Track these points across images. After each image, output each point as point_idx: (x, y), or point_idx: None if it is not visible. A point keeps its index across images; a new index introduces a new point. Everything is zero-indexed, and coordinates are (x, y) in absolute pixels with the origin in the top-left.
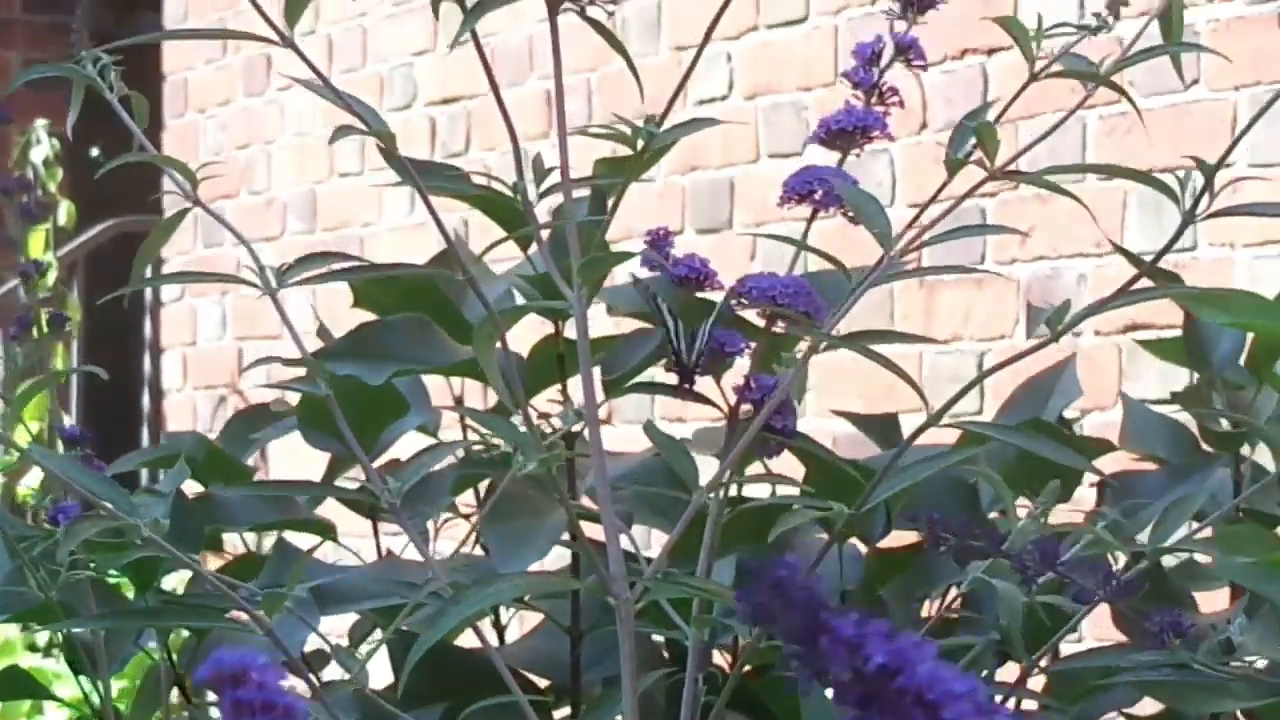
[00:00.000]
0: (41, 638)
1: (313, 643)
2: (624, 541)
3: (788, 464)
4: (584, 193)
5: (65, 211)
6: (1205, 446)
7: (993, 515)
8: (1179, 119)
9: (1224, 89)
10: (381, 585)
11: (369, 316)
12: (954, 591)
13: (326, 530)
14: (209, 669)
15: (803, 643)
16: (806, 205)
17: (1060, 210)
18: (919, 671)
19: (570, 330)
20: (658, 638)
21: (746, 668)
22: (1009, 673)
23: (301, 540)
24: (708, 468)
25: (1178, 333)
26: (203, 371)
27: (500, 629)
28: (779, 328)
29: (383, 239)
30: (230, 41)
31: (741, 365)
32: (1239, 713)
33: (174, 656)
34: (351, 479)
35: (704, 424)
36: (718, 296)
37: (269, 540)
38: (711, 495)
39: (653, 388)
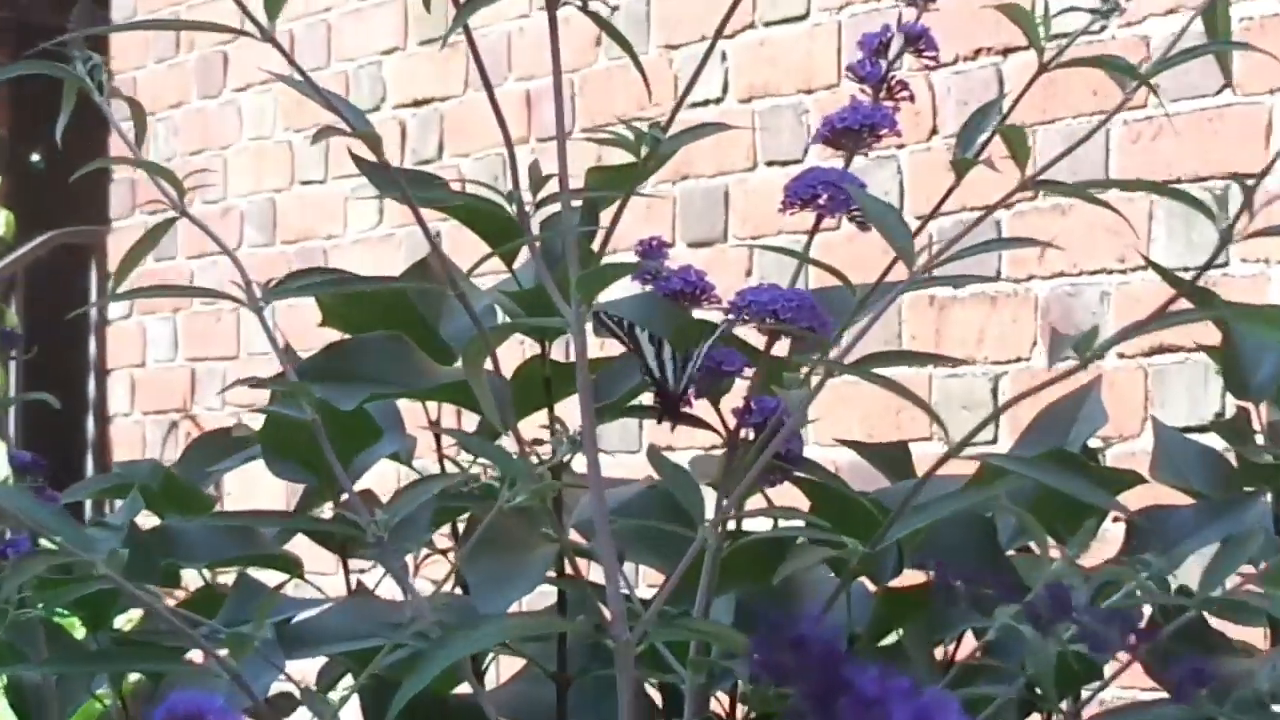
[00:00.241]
0: None
1: (277, 685)
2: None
3: (785, 494)
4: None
5: (4, 221)
6: (1242, 478)
7: (1011, 553)
8: (1209, 125)
9: (1258, 93)
10: (355, 625)
11: (336, 336)
12: (970, 635)
13: (292, 566)
14: (162, 714)
15: (822, 701)
16: (810, 211)
17: (1081, 222)
18: None
19: (556, 351)
20: (649, 681)
21: (753, 715)
22: None
23: (265, 577)
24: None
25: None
26: (152, 395)
27: (480, 673)
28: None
29: (348, 251)
30: (184, 38)
31: (739, 387)
32: None
33: (125, 702)
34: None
35: (696, 452)
36: (712, 314)
37: (226, 578)
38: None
39: (644, 412)
